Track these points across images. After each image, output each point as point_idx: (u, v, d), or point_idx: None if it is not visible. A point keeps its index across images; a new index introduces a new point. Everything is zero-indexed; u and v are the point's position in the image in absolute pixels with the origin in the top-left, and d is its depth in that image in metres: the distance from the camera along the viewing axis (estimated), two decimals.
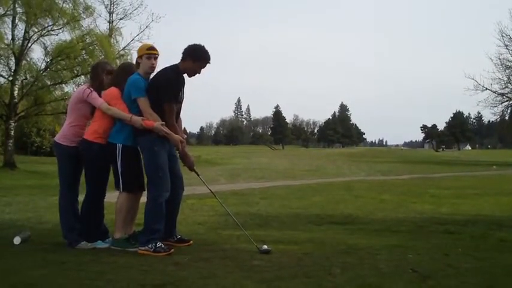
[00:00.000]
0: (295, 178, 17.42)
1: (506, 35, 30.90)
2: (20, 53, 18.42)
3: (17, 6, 18.24)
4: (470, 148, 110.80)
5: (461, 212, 7.82)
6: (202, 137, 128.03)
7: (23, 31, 18.83)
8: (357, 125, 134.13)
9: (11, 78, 18.57)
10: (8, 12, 18.25)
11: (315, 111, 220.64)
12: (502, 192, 11.58)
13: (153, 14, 22.21)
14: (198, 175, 4.26)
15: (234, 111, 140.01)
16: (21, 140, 26.41)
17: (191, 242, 4.30)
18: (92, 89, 4.12)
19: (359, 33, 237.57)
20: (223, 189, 11.29)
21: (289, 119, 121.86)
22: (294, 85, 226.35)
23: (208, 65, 4.11)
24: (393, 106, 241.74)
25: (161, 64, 4.17)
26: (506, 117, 36.20)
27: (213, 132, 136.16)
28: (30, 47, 19.02)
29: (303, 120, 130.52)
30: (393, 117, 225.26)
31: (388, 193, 11.17)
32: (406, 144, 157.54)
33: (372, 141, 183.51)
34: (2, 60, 18.43)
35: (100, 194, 4.21)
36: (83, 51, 18.87)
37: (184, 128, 4.93)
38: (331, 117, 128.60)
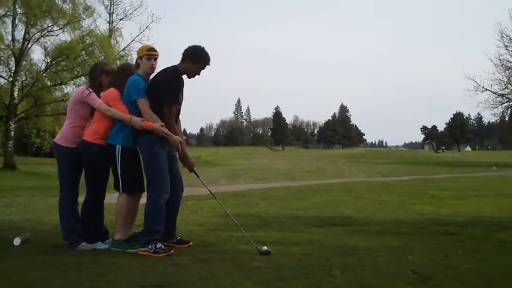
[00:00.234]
0: (295, 179, 17.43)
1: (506, 36, 30.96)
2: (20, 54, 18.43)
3: (17, 7, 18.27)
4: (470, 149, 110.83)
5: (461, 213, 7.82)
6: (202, 138, 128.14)
7: (23, 32, 18.90)
8: (357, 126, 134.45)
9: (11, 79, 18.60)
10: (8, 13, 18.29)
11: (315, 112, 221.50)
12: (502, 194, 11.58)
13: (153, 14, 22.24)
14: (198, 176, 4.26)
15: (234, 112, 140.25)
16: (21, 141, 26.39)
17: (191, 243, 4.30)
18: (91, 90, 4.12)
19: (359, 34, 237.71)
20: (223, 191, 11.29)
21: (289, 120, 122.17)
22: (294, 86, 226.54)
23: (208, 66, 4.12)
24: (393, 107, 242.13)
25: (161, 65, 4.19)
26: (506, 118, 36.20)
27: (213, 133, 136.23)
28: (30, 47, 19.07)
29: (303, 121, 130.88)
30: (393, 118, 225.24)
31: (388, 194, 11.17)
32: (406, 145, 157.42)
33: (372, 142, 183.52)
34: (2, 61, 18.47)
35: (100, 195, 4.21)
36: (83, 52, 18.89)
37: (184, 129, 4.93)
38: (331, 118, 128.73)
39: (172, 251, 3.91)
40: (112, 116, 4.01)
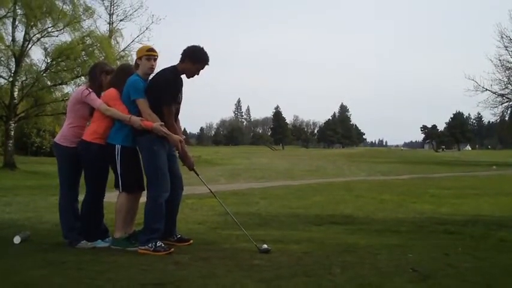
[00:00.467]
0: (295, 178, 17.43)
1: (506, 37, 30.93)
2: (20, 54, 18.44)
3: (17, 7, 18.27)
4: (470, 149, 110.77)
5: (461, 212, 7.83)
6: (202, 138, 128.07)
7: (23, 32, 18.91)
8: (357, 125, 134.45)
9: (11, 79, 18.59)
10: (9, 14, 18.28)
11: (315, 111, 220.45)
12: (502, 193, 11.59)
13: (153, 15, 22.29)
14: (198, 175, 4.27)
15: (234, 112, 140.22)
16: (21, 140, 26.44)
17: (191, 241, 4.31)
18: (91, 90, 4.12)
19: (359, 34, 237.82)
20: (223, 189, 11.29)
21: (289, 119, 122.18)
22: (294, 86, 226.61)
23: (206, 66, 4.12)
24: (393, 107, 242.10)
25: (161, 66, 4.19)
26: (506, 118, 36.21)
27: (213, 132, 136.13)
28: (30, 48, 19.07)
29: (303, 121, 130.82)
30: (393, 118, 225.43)
31: (388, 193, 11.18)
32: (406, 144, 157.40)
33: (372, 142, 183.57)
34: (2, 62, 18.47)
35: (99, 194, 4.22)
36: (83, 53, 18.90)
37: (184, 129, 4.94)
38: (331, 118, 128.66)
39: (172, 249, 3.91)
40: (111, 116, 4.01)
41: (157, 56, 4.12)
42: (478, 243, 4.76)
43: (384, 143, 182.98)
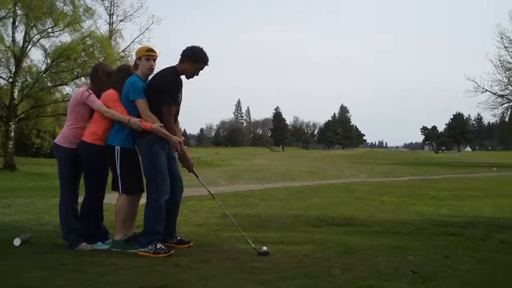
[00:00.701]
0: (295, 180, 17.41)
1: (506, 37, 31.00)
2: (20, 55, 18.42)
3: (17, 8, 18.25)
4: (470, 150, 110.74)
5: (461, 213, 7.81)
6: (202, 139, 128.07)
7: (23, 33, 18.87)
8: (357, 126, 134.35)
9: (11, 80, 18.58)
10: (9, 15, 18.26)
11: (315, 112, 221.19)
12: (502, 194, 11.56)
13: (153, 16, 22.37)
14: (197, 176, 4.27)
15: (234, 113, 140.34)
16: (21, 141, 26.40)
17: (191, 243, 4.31)
18: (91, 91, 4.13)
19: (360, 35, 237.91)
20: (223, 191, 11.28)
21: (289, 120, 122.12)
22: (294, 87, 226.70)
23: (206, 67, 4.12)
24: (393, 108, 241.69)
25: (161, 66, 4.19)
26: (506, 119, 36.28)
27: (213, 133, 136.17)
28: (30, 49, 19.05)
29: (303, 122, 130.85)
30: (393, 119, 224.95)
31: (388, 195, 11.15)
32: (406, 145, 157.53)
33: (372, 143, 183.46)
34: (2, 62, 18.45)
35: (99, 195, 4.22)
36: (83, 53, 18.88)
37: (184, 130, 4.94)
38: (331, 119, 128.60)
39: (172, 251, 3.91)
40: (111, 117, 4.02)
41: (156, 56, 4.13)
42: (478, 245, 4.75)
43: (384, 144, 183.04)
